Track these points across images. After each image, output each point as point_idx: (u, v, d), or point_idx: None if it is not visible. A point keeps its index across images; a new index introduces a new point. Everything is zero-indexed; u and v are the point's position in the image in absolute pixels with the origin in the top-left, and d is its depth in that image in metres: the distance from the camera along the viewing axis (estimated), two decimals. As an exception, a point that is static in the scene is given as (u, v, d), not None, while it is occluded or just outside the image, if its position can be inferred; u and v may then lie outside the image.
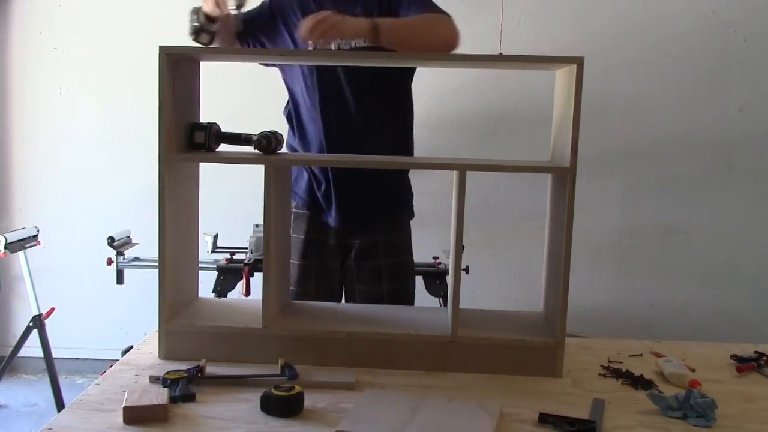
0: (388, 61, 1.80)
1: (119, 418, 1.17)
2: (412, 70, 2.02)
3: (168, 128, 1.45)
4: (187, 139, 1.56)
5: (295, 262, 1.96)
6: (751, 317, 3.21)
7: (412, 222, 2.13)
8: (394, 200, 2.06)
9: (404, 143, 2.04)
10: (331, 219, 1.98)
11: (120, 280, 2.71)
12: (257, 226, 2.67)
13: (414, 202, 2.13)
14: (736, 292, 3.25)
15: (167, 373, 1.33)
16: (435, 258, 2.73)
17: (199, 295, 1.72)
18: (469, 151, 3.20)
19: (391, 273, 2.03)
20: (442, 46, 1.77)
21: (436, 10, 1.84)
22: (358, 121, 1.92)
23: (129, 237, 2.77)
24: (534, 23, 3.17)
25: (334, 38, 1.56)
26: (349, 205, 1.97)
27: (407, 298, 2.08)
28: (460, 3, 3.13)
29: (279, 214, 1.56)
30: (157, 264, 1.47)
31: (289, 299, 1.77)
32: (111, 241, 2.64)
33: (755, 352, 1.59)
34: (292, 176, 1.97)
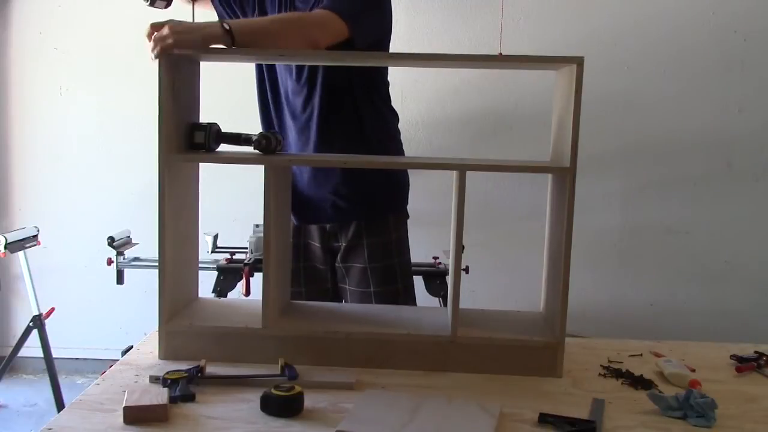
0: (389, 62, 1.80)
1: (119, 418, 1.17)
2: (358, 71, 1.93)
3: (168, 128, 1.45)
4: (187, 139, 1.56)
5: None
6: (751, 317, 3.21)
7: (412, 222, 2.13)
8: (368, 203, 2.00)
9: (362, 145, 1.94)
10: (312, 223, 2.01)
11: (120, 280, 2.71)
12: (257, 226, 2.67)
13: (412, 203, 2.12)
14: (736, 292, 3.25)
15: (167, 373, 1.33)
16: (435, 258, 2.73)
17: (199, 295, 1.72)
18: (469, 151, 3.21)
19: (379, 276, 1.99)
20: (302, 46, 1.68)
21: (334, 6, 1.72)
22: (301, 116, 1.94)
23: (129, 237, 2.77)
24: (534, 23, 3.17)
25: (176, 49, 1.44)
26: (306, 208, 1.99)
27: (400, 301, 2.02)
28: (460, 3, 3.16)
29: (279, 214, 1.56)
30: (157, 264, 1.47)
31: (289, 299, 1.77)
32: (111, 241, 2.64)
33: (755, 352, 1.59)
34: None
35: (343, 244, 2.01)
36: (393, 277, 2.02)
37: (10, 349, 2.90)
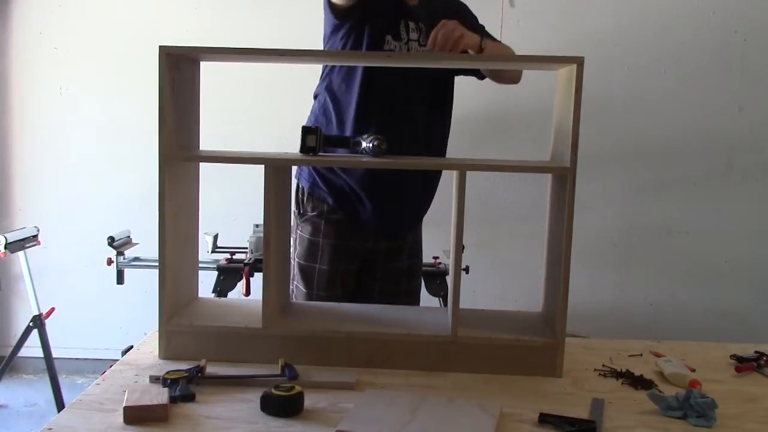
0: (387, 61, 1.80)
1: (119, 418, 1.17)
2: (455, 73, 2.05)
3: (168, 128, 1.44)
4: (301, 143, 1.54)
5: (323, 267, 1.96)
6: (751, 317, 3.21)
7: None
8: (427, 206, 2.09)
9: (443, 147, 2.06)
10: (371, 226, 1.99)
11: (120, 280, 2.71)
12: (257, 226, 2.67)
13: None
14: (736, 292, 3.25)
15: (167, 373, 1.33)
16: (435, 258, 2.73)
17: (199, 295, 1.72)
18: (469, 151, 3.20)
19: (409, 273, 2.09)
20: (514, 80, 1.99)
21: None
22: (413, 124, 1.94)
23: (129, 237, 2.77)
24: (534, 23, 3.17)
25: (457, 50, 1.68)
26: (390, 214, 1.99)
27: (418, 297, 2.15)
28: (460, 3, 3.16)
29: (279, 214, 1.56)
30: (157, 264, 1.47)
31: (289, 299, 1.77)
32: (111, 241, 2.64)
33: (755, 352, 1.59)
34: (319, 177, 1.98)
35: (388, 244, 2.04)
36: (418, 274, 2.15)
37: (10, 349, 2.90)
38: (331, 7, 1.85)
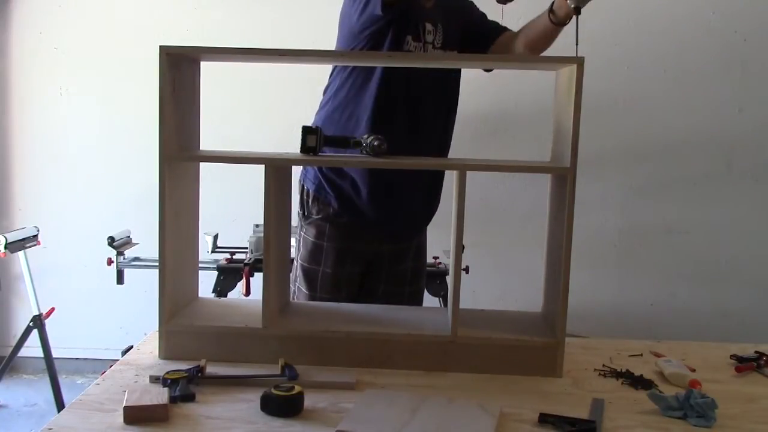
0: (389, 61, 1.80)
1: (119, 418, 1.17)
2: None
3: (168, 128, 1.44)
4: (301, 143, 1.54)
5: (327, 270, 1.95)
6: (751, 317, 3.21)
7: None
8: (434, 207, 2.09)
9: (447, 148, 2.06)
10: (375, 228, 1.98)
11: (120, 280, 2.71)
12: (257, 226, 2.67)
13: None
14: (736, 292, 3.25)
15: (167, 373, 1.33)
16: (435, 258, 2.73)
17: (199, 295, 1.72)
18: (469, 151, 3.20)
19: (414, 275, 2.08)
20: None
21: None
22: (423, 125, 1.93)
23: (129, 237, 2.78)
24: (534, 23, 3.17)
25: None
26: (393, 214, 1.98)
27: (421, 299, 2.15)
28: (460, 3, 3.16)
29: (279, 214, 1.56)
30: (157, 264, 1.47)
31: (289, 299, 1.77)
32: (111, 241, 2.65)
33: (755, 352, 1.59)
34: (325, 180, 1.97)
35: (392, 246, 2.04)
36: (423, 276, 2.15)
37: (10, 349, 2.90)
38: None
